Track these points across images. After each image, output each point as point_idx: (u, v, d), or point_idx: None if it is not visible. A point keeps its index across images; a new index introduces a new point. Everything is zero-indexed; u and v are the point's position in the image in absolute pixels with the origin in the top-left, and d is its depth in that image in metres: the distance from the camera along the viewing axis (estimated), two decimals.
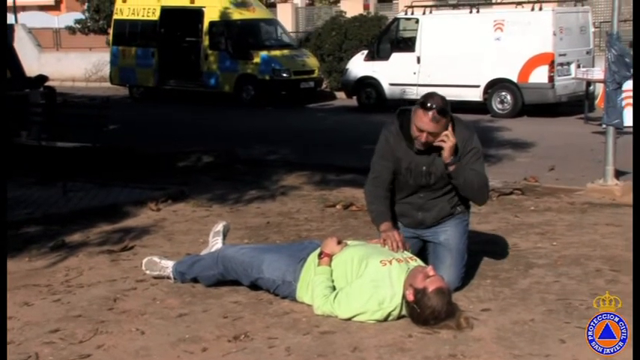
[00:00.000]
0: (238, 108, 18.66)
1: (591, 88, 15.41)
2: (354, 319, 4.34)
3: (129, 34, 21.68)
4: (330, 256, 4.62)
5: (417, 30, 17.31)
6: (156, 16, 21.08)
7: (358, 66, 18.37)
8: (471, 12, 16.82)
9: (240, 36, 20.10)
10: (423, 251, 5.06)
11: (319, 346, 4.05)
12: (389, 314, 4.33)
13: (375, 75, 17.93)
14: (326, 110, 18.87)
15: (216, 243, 5.31)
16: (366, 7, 25.37)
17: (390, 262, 4.45)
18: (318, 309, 4.46)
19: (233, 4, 20.41)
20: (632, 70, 8.30)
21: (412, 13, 17.62)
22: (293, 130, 14.78)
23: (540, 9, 15.98)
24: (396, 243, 4.68)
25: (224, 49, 20.04)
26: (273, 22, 21.75)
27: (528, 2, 16.31)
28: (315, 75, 20.33)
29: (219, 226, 5.42)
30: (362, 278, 4.41)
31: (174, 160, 10.06)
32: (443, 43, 16.80)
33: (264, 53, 19.67)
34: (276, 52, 19.96)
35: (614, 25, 8.06)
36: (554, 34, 15.73)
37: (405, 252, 4.66)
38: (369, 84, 18.12)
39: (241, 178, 9.12)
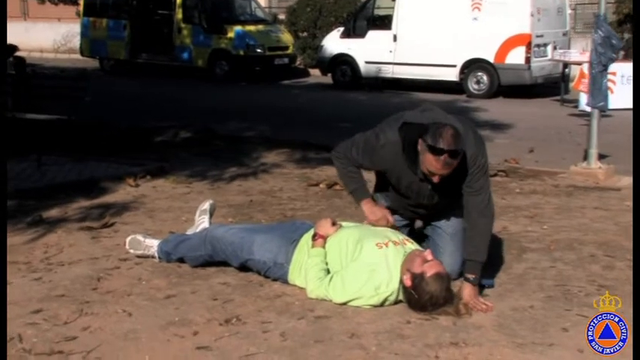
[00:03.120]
0: (211, 83, 18.39)
1: (567, 70, 15.41)
2: (349, 303, 4.20)
3: (100, 5, 21.26)
4: (325, 238, 4.46)
5: (393, 8, 17.15)
6: None
7: (334, 43, 18.17)
8: None
9: (214, 10, 19.74)
10: (420, 237, 4.85)
11: (315, 331, 3.91)
12: (385, 299, 4.19)
13: (350, 52, 17.74)
14: (300, 87, 18.67)
15: (202, 222, 5.15)
16: None
17: (387, 244, 4.31)
18: (311, 292, 4.31)
19: None
20: (617, 53, 8.27)
21: None
22: (268, 106, 14.56)
23: None
24: (385, 218, 4.54)
25: (198, 23, 19.67)
26: None
27: None
28: (289, 51, 20.08)
29: (206, 205, 5.26)
30: (357, 262, 4.27)
31: (151, 134, 9.83)
32: (420, 22, 16.65)
33: (238, 28, 19.37)
34: (251, 27, 19.67)
35: (602, 6, 7.96)
36: (532, 15, 15.66)
37: (401, 234, 4.54)
38: (344, 61, 17.94)
39: (220, 155, 8.94)
